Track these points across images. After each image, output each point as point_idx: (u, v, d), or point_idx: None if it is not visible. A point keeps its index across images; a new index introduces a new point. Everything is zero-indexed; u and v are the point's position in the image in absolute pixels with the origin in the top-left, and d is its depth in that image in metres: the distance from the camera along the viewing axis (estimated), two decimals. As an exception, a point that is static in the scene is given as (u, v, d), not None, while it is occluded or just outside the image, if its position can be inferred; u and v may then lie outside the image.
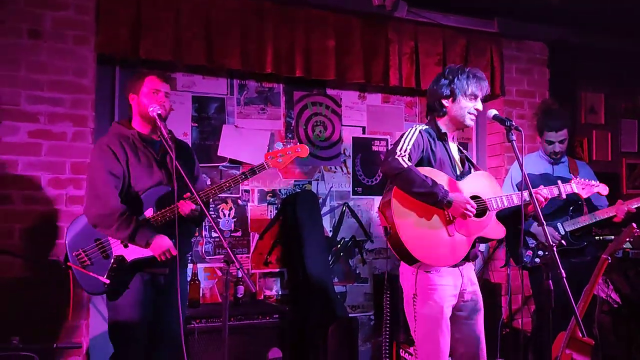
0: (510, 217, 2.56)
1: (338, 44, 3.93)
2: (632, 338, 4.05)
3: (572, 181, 2.76)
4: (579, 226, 3.36)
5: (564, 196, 2.67)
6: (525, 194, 2.41)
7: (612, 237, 3.80)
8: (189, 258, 3.80)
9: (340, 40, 3.94)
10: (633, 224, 2.76)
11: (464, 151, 2.65)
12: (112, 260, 2.55)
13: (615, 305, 4.31)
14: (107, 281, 2.52)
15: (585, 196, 2.85)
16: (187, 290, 2.84)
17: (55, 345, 2.04)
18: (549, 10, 4.25)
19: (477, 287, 2.54)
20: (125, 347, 2.60)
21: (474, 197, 2.45)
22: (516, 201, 2.48)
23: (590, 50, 4.73)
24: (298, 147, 2.71)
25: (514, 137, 2.36)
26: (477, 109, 2.51)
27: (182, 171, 2.45)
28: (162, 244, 2.53)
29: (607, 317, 4.26)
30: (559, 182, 2.71)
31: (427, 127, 2.54)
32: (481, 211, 2.45)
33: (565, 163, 3.59)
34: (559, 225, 3.36)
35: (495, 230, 2.52)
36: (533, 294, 3.60)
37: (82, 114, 3.35)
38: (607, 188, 2.98)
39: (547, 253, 3.32)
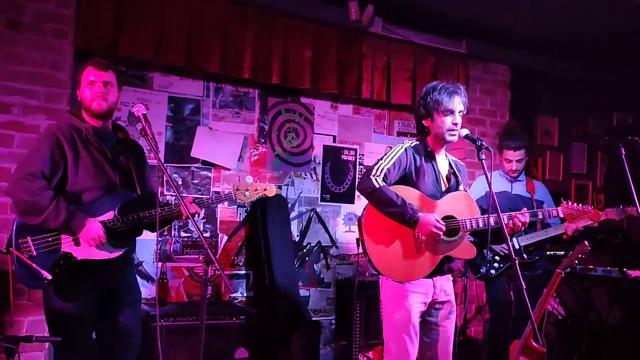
0: (475, 233, 2.66)
1: (314, 54, 4.05)
2: (574, 348, 4.31)
3: (560, 206, 2.83)
4: (532, 241, 3.57)
5: (547, 220, 2.80)
6: (503, 216, 2.52)
7: (563, 252, 4.05)
8: (157, 256, 3.83)
9: (317, 51, 4.06)
10: (585, 241, 2.98)
11: (455, 167, 2.73)
12: (58, 256, 2.43)
13: (560, 317, 4.59)
14: (49, 277, 2.36)
15: (573, 222, 2.95)
16: (138, 287, 2.75)
17: (34, 337, 2.03)
18: (514, 35, 4.51)
19: (451, 297, 2.66)
20: (65, 341, 2.44)
21: (448, 217, 2.56)
22: (492, 223, 2.53)
23: (549, 76, 5.04)
24: (267, 186, 2.75)
25: (484, 157, 2.51)
26: (455, 124, 2.57)
27: (133, 171, 2.50)
28: (93, 230, 2.43)
29: (552, 328, 4.53)
30: (544, 205, 2.84)
31: (417, 143, 2.66)
32: (453, 231, 2.56)
33: (523, 182, 3.81)
34: (514, 240, 3.57)
35: (466, 250, 2.61)
36: (489, 303, 3.79)
37: (57, 107, 3.33)
38: (600, 213, 3.07)
39: (502, 265, 3.54)
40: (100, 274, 2.52)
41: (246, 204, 2.77)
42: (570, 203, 2.86)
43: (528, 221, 2.66)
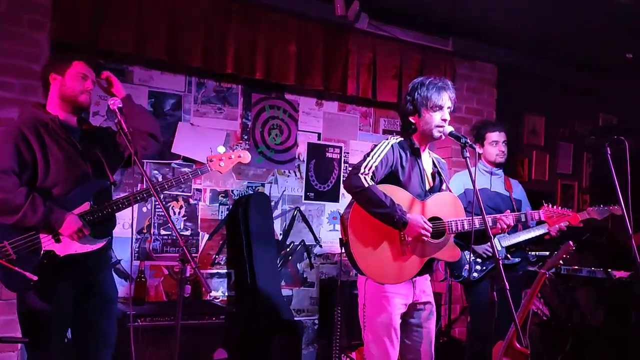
0: (464, 235, 2.61)
1: (299, 49, 3.98)
2: (558, 348, 4.30)
3: (542, 209, 2.83)
4: (514, 242, 3.53)
5: (529, 224, 2.78)
6: (488, 218, 2.47)
7: (547, 252, 4.03)
8: (136, 255, 3.75)
9: (302, 46, 3.99)
10: (570, 241, 2.94)
11: (438, 165, 2.68)
12: (40, 256, 2.36)
13: (545, 318, 4.58)
14: (35, 278, 2.29)
15: (553, 225, 2.96)
16: (115, 285, 2.69)
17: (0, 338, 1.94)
18: (501, 34, 4.48)
19: (431, 298, 2.61)
20: (39, 340, 2.40)
21: (434, 219, 2.50)
22: (477, 225, 2.50)
23: (536, 76, 5.02)
24: (241, 152, 2.69)
25: (468, 154, 2.46)
26: (443, 120, 2.52)
27: (103, 159, 2.47)
28: (73, 223, 2.37)
29: (537, 329, 4.51)
30: (527, 209, 2.83)
31: (402, 140, 2.58)
32: (439, 233, 2.51)
33: (502, 177, 3.75)
34: (496, 241, 3.52)
35: (450, 252, 2.57)
36: (470, 307, 3.74)
37: (31, 100, 3.22)
38: (579, 217, 3.07)
39: (484, 267, 3.49)
40: (80, 270, 2.47)
41: (222, 173, 2.69)
42: (550, 206, 2.88)
43: (512, 224, 2.64)
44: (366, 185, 2.37)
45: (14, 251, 2.32)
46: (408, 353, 2.56)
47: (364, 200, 2.39)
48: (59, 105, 2.51)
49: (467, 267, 3.52)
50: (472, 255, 3.49)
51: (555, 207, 2.92)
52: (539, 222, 3.41)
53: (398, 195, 2.45)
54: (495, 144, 3.62)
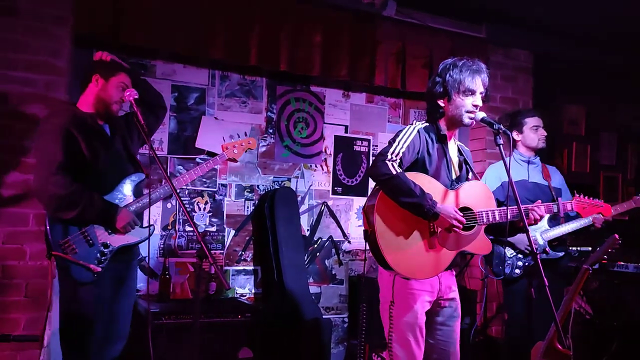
0: (494, 228, 2.46)
1: (325, 39, 3.85)
2: (603, 349, 4.06)
3: (573, 200, 2.71)
4: (557, 236, 3.34)
5: (562, 214, 2.64)
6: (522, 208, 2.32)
7: (590, 248, 3.80)
8: (161, 251, 3.71)
9: (327, 36, 3.86)
10: (615, 234, 2.74)
11: (464, 153, 2.53)
12: (99, 248, 2.50)
13: (588, 317, 4.33)
14: (99, 269, 2.45)
15: (586, 216, 2.81)
16: (137, 278, 2.85)
17: (11, 336, 1.90)
18: (537, 20, 4.25)
19: (456, 294, 2.45)
20: (81, 343, 2.49)
21: (464, 209, 2.35)
22: (509, 217, 2.35)
23: (575, 62, 4.75)
24: (249, 140, 2.93)
25: (502, 142, 2.29)
26: (475, 105, 2.36)
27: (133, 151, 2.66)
28: (126, 216, 2.51)
29: (580, 329, 4.27)
30: (559, 199, 2.67)
31: (427, 125, 2.42)
32: (470, 224, 2.34)
33: (539, 167, 3.56)
34: (537, 234, 3.33)
35: (481, 245, 2.41)
36: (507, 304, 3.55)
37: (55, 96, 3.20)
38: (611, 209, 2.90)
39: (526, 264, 3.29)
40: (123, 261, 2.62)
41: (237, 160, 2.93)
42: (582, 196, 2.75)
43: (544, 215, 2.48)
44: (394, 172, 2.21)
45: (76, 246, 2.45)
46: (432, 353, 2.39)
47: (392, 189, 2.23)
48: (92, 104, 2.60)
49: (508, 263, 3.34)
50: (514, 251, 3.31)
51: (587, 197, 2.76)
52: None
53: (426, 183, 2.29)
54: (536, 129, 3.47)
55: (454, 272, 2.48)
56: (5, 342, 1.94)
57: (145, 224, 2.65)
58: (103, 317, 2.55)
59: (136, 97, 2.50)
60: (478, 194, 2.41)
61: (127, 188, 2.61)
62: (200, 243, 2.14)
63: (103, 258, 2.49)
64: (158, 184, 2.72)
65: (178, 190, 2.50)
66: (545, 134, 3.50)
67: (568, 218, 3.40)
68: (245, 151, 2.88)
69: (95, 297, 2.48)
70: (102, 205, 2.48)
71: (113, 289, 2.59)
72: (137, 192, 2.64)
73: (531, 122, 3.48)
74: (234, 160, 2.88)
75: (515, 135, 3.51)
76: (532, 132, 3.47)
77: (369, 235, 2.30)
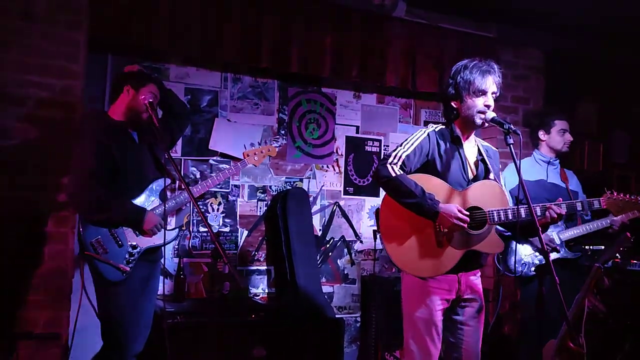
0: (505, 226, 2.48)
1: (335, 40, 3.88)
2: (616, 348, 4.04)
3: (604, 196, 2.56)
4: (574, 236, 3.33)
5: (586, 213, 2.58)
6: (536, 208, 2.32)
7: (602, 247, 3.78)
8: (176, 251, 3.76)
9: (338, 37, 3.89)
10: (627, 233, 2.73)
11: (485, 153, 2.52)
12: (128, 248, 2.63)
13: (601, 316, 4.31)
14: (128, 269, 2.60)
15: (619, 215, 2.73)
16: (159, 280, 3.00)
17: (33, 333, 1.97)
18: (548, 18, 4.25)
19: (478, 295, 2.45)
20: (117, 338, 2.64)
21: (473, 208, 2.36)
22: (523, 215, 2.31)
23: (587, 61, 4.73)
24: (269, 147, 3.19)
25: (512, 141, 2.30)
26: (487, 106, 2.37)
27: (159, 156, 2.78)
28: (153, 219, 2.64)
29: (593, 327, 4.25)
30: (585, 195, 2.63)
31: (442, 127, 2.46)
32: (479, 223, 2.36)
33: (558, 168, 3.57)
34: (554, 234, 3.33)
35: (492, 244, 2.40)
36: (522, 302, 3.56)
37: (71, 100, 3.26)
38: None
39: (542, 263, 3.29)
40: (150, 261, 2.77)
41: (256, 166, 3.15)
42: (614, 193, 2.57)
43: (564, 213, 2.39)
44: (393, 174, 2.26)
45: (107, 246, 2.59)
46: (453, 352, 2.42)
47: (392, 190, 2.30)
48: (123, 113, 2.72)
49: (525, 262, 3.34)
50: (532, 249, 3.31)
51: (620, 194, 2.58)
52: (597, 214, 3.17)
53: (432, 184, 2.32)
54: (563, 133, 3.48)
55: (478, 274, 2.49)
56: (28, 339, 2.01)
57: (169, 227, 2.77)
58: (133, 314, 2.68)
59: (151, 100, 2.59)
60: (489, 194, 2.41)
61: (153, 192, 2.75)
62: (215, 243, 2.20)
63: (131, 258, 2.63)
64: (182, 190, 2.84)
65: (196, 195, 2.62)
66: (572, 139, 3.49)
67: (583, 220, 3.40)
68: (265, 158, 3.06)
69: (126, 296, 2.61)
70: (131, 208, 2.62)
71: (140, 287, 2.72)
72: (163, 196, 2.76)
73: (560, 124, 3.48)
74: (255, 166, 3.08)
75: (541, 134, 3.52)
76: (559, 135, 3.47)
77: (379, 236, 2.37)
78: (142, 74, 2.81)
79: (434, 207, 2.25)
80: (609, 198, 2.56)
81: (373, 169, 4.36)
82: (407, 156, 2.32)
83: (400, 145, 2.36)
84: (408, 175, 2.31)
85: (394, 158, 2.31)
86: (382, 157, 2.38)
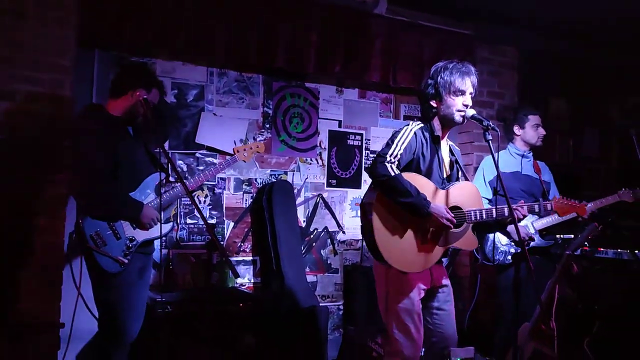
0: (486, 221, 2.64)
1: (319, 37, 3.98)
2: (585, 331, 4.25)
3: (553, 200, 2.82)
4: (546, 225, 3.52)
5: (542, 214, 2.78)
6: (506, 210, 2.51)
7: (572, 235, 3.99)
8: (164, 243, 3.83)
9: (322, 33, 3.99)
10: (595, 222, 2.93)
11: (455, 153, 2.69)
12: (126, 241, 2.71)
13: (571, 301, 4.53)
14: (125, 261, 2.68)
15: (564, 215, 2.94)
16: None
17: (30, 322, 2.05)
18: (523, 17, 4.41)
19: (448, 281, 2.65)
20: (114, 327, 2.73)
21: (454, 208, 2.52)
22: (495, 215, 2.55)
23: (559, 59, 4.93)
24: (258, 144, 3.34)
25: (491, 137, 2.46)
26: (465, 105, 2.52)
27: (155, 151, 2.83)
28: (150, 212, 2.74)
29: (563, 312, 4.46)
30: (541, 199, 2.83)
31: (423, 125, 2.58)
32: (459, 222, 2.53)
33: (531, 161, 3.75)
34: (529, 223, 3.51)
35: (469, 241, 2.60)
36: (500, 289, 3.74)
37: (60, 94, 3.30)
38: (586, 209, 3.04)
39: (518, 251, 3.48)
40: (146, 253, 2.84)
41: (246, 162, 3.35)
42: (561, 197, 2.89)
43: (527, 214, 2.65)
44: (392, 173, 2.37)
45: (105, 239, 2.67)
46: (431, 336, 2.58)
47: (390, 189, 2.40)
48: (121, 111, 2.80)
49: (502, 251, 3.53)
50: (508, 240, 3.49)
51: (565, 198, 2.90)
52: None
53: (421, 184, 2.46)
54: (537, 127, 3.66)
55: (444, 264, 2.67)
56: (27, 327, 2.08)
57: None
58: (130, 304, 2.76)
59: (145, 96, 2.66)
60: (467, 194, 2.60)
61: (149, 186, 2.83)
62: (211, 235, 2.31)
63: (129, 251, 2.72)
64: (176, 184, 2.90)
65: (190, 189, 2.71)
66: (544, 133, 3.67)
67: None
68: (254, 154, 3.20)
69: (123, 287, 2.69)
70: (129, 202, 2.72)
71: (136, 278, 2.78)
72: (158, 190, 2.85)
73: (533, 119, 3.65)
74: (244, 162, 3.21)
75: (516, 129, 3.69)
76: (533, 130, 3.65)
77: (366, 231, 2.47)
78: (153, 79, 2.91)
79: (427, 207, 2.39)
80: (557, 202, 2.85)
81: (355, 161, 4.49)
82: (401, 155, 2.44)
83: (393, 143, 2.46)
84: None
85: (391, 157, 2.42)
86: (377, 154, 2.48)
